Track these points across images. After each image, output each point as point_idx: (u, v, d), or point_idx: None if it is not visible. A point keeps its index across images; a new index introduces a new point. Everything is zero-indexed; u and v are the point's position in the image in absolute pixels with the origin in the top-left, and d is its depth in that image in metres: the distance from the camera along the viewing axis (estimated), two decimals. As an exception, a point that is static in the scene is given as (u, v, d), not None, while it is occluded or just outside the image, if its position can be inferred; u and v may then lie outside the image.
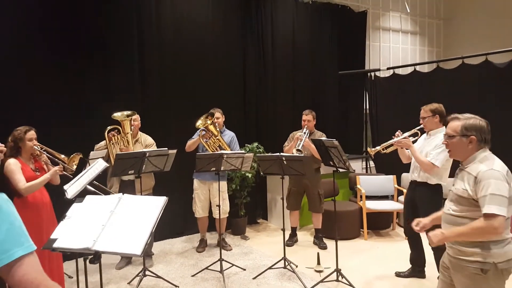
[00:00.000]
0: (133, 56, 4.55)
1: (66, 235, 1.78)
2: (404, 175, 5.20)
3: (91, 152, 3.34)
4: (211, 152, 3.85)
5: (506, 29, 6.76)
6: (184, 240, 4.75)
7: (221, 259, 3.68)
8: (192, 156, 4.00)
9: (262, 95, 5.58)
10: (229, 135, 4.32)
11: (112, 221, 1.81)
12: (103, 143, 3.71)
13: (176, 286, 3.45)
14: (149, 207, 1.88)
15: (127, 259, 3.98)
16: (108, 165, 2.77)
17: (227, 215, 4.43)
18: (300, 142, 4.10)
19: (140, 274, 3.47)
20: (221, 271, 3.61)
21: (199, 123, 4.02)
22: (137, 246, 1.70)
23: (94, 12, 4.29)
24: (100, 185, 2.73)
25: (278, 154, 3.65)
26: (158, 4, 4.72)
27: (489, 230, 1.76)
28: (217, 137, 4.07)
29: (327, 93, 6.26)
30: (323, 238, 4.52)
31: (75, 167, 3.03)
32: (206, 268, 3.76)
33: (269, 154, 4.44)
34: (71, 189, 2.37)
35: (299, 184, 4.45)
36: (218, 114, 4.20)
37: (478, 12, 7.30)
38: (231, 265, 3.81)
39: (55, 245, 1.74)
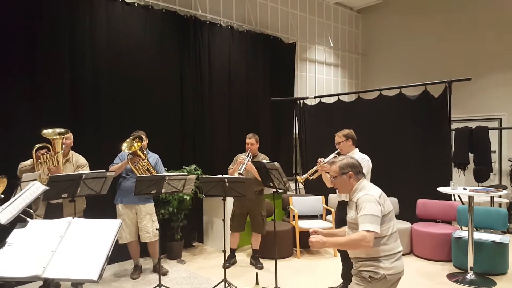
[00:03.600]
0: (64, 74, 4.33)
1: (8, 263, 1.63)
2: (331, 195, 5.59)
3: (24, 174, 3.05)
4: (153, 174, 3.77)
5: (416, 65, 7.81)
6: (116, 267, 4.49)
7: (159, 285, 3.56)
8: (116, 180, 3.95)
9: (199, 118, 5.63)
10: (153, 157, 4.26)
11: (62, 246, 1.71)
12: (29, 162, 3.41)
13: (111, 317, 3.24)
14: (103, 231, 1.81)
15: (54, 290, 3.63)
16: (48, 188, 2.56)
17: (158, 237, 4.27)
18: (242, 165, 4.21)
19: (71, 306, 3.20)
20: (160, 298, 3.49)
21: (125, 146, 3.91)
22: (93, 272, 1.63)
23: (25, 30, 4.04)
24: (27, 208, 2.51)
25: (220, 176, 3.71)
26: (92, 24, 4.58)
27: (360, 243, 2.10)
28: (144, 160, 4.00)
29: (261, 118, 6.53)
30: (260, 258, 4.62)
31: None
32: (144, 295, 3.61)
33: (208, 176, 4.47)
34: (3, 214, 2.15)
35: (243, 206, 4.52)
36: (144, 137, 4.14)
37: (390, 50, 8.35)
38: (169, 290, 3.70)
39: (-4, 275, 1.58)
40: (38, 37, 4.14)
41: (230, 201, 4.65)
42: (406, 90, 5.37)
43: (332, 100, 6.63)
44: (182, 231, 4.96)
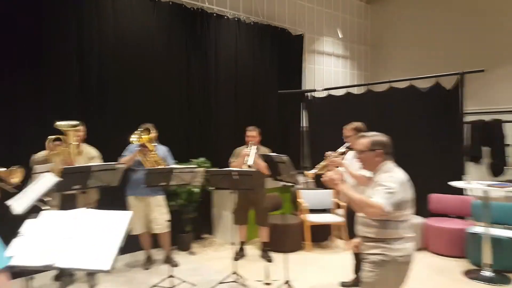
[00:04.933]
0: (72, 67, 4.38)
1: (23, 252, 1.65)
2: (341, 189, 5.54)
3: (36, 166, 3.09)
4: (162, 167, 3.80)
5: (427, 57, 7.61)
6: (128, 258, 4.54)
7: (170, 276, 3.60)
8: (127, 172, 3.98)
9: (206, 110, 5.63)
10: (162, 149, 4.28)
11: (75, 236, 1.73)
12: (42, 153, 3.46)
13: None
14: (114, 222, 1.83)
15: (69, 278, 3.69)
16: (60, 180, 2.59)
17: (169, 229, 4.29)
18: (249, 158, 4.19)
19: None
20: (172, 288, 3.53)
21: (134, 138, 3.93)
22: (105, 262, 1.64)
23: (32, 18, 4.07)
24: (42, 198, 2.54)
25: (229, 168, 3.71)
26: (100, 17, 4.60)
27: (368, 208, 2.06)
28: (153, 153, 4.02)
29: (268, 110, 6.50)
30: (269, 251, 4.63)
31: (14, 180, 2.80)
32: (155, 285, 3.63)
33: (216, 169, 4.47)
34: (17, 204, 2.18)
35: (246, 199, 4.52)
36: (153, 129, 4.15)
37: (400, 41, 8.20)
38: (181, 281, 3.72)
39: (12, 263, 1.60)
40: (45, 30, 4.17)
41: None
42: (417, 82, 5.27)
43: (341, 92, 6.56)
44: (192, 223, 4.98)
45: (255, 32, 6.31)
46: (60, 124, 3.41)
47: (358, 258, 3.72)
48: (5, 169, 2.68)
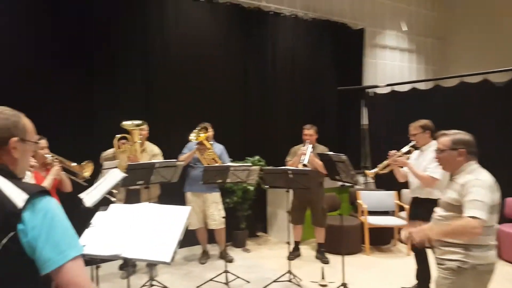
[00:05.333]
0: (137, 71, 4.65)
1: (93, 242, 1.78)
2: (404, 191, 5.24)
3: (105, 162, 3.33)
4: (218, 164, 3.89)
5: (502, 48, 6.85)
6: (185, 251, 4.72)
7: (226, 271, 3.67)
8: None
9: (263, 109, 5.65)
10: (218, 147, 4.36)
11: (139, 229, 1.82)
12: (110, 151, 3.72)
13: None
14: (175, 216, 1.90)
15: (132, 269, 3.94)
16: (126, 175, 2.77)
17: (224, 225, 4.35)
18: (304, 157, 4.13)
19: (146, 284, 3.44)
20: (227, 283, 3.60)
21: (193, 136, 4.06)
22: (166, 254, 1.71)
23: (102, 25, 4.39)
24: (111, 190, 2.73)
25: (284, 167, 3.69)
26: (163, 19, 4.83)
27: (467, 230, 1.88)
28: (210, 151, 4.12)
29: (326, 108, 6.35)
30: (325, 253, 4.53)
31: (85, 174, 3.05)
32: (211, 279, 3.74)
33: (271, 167, 4.47)
34: (89, 197, 2.36)
35: (303, 198, 4.46)
36: (210, 128, 4.24)
37: (472, 32, 7.49)
38: (235, 277, 3.79)
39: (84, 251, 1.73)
40: (116, 36, 4.47)
41: (291, 193, 4.60)
42: (492, 76, 4.81)
43: (405, 88, 6.19)
44: (246, 220, 5.04)
45: (313, 28, 6.19)
46: (126, 123, 3.64)
47: (422, 264, 3.51)
48: (77, 164, 2.93)
